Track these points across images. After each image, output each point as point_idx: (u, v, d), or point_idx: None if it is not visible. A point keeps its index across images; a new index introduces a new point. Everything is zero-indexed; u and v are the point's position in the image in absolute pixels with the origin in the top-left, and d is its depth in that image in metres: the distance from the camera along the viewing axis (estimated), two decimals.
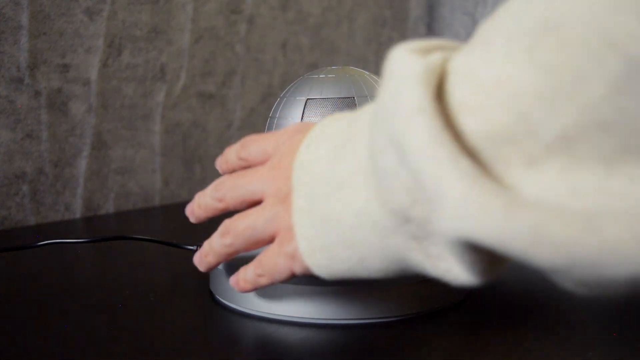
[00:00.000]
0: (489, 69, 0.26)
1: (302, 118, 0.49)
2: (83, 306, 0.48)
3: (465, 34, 1.31)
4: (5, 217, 0.75)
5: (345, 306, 0.44)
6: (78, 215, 0.81)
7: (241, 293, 0.44)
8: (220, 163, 0.44)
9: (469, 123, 0.27)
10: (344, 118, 0.37)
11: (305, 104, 0.50)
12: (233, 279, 0.42)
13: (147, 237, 0.59)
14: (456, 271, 0.29)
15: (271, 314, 0.45)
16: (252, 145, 0.42)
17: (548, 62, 0.24)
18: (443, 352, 0.41)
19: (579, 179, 0.25)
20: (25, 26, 0.74)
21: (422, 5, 1.36)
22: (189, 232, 0.74)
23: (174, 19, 0.89)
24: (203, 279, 0.52)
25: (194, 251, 0.56)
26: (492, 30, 0.27)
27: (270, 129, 0.52)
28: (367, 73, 0.53)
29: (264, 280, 0.40)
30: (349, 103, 0.49)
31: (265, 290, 0.45)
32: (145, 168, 0.89)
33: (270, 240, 0.39)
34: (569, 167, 0.25)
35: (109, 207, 0.85)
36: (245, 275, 0.41)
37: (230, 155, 0.43)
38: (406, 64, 0.29)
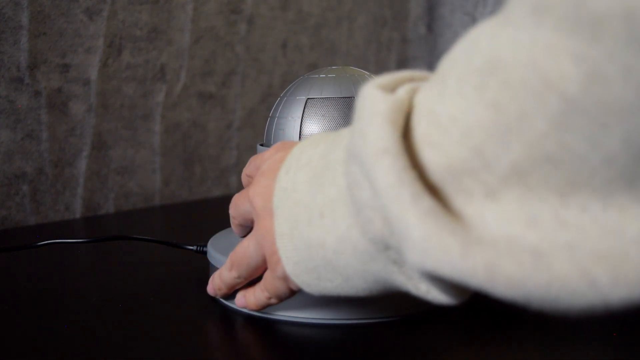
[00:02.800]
0: (444, 106, 0.28)
1: (302, 118, 0.49)
2: (83, 306, 0.48)
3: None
4: (5, 217, 0.75)
5: (345, 306, 0.44)
6: (78, 215, 0.81)
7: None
8: (242, 179, 0.48)
9: (431, 156, 0.28)
10: (318, 144, 0.38)
11: (305, 103, 0.50)
12: (241, 301, 0.45)
13: (147, 237, 0.59)
14: (434, 293, 0.31)
15: (271, 314, 0.45)
16: (251, 163, 0.45)
17: (495, 100, 0.26)
18: (443, 352, 0.41)
19: (535, 208, 0.26)
20: (25, 26, 0.74)
21: (422, 5, 1.36)
22: (189, 232, 0.74)
23: (174, 19, 0.89)
24: (203, 279, 0.52)
25: (194, 251, 0.56)
26: (447, 67, 0.29)
27: (270, 128, 0.52)
28: (367, 73, 0.53)
29: (274, 302, 0.43)
30: (349, 103, 0.49)
31: None
32: (145, 168, 0.89)
33: (265, 264, 0.41)
34: (526, 198, 0.26)
35: (109, 207, 0.85)
36: (256, 299, 0.43)
37: (243, 173, 0.47)
38: (374, 102, 0.30)
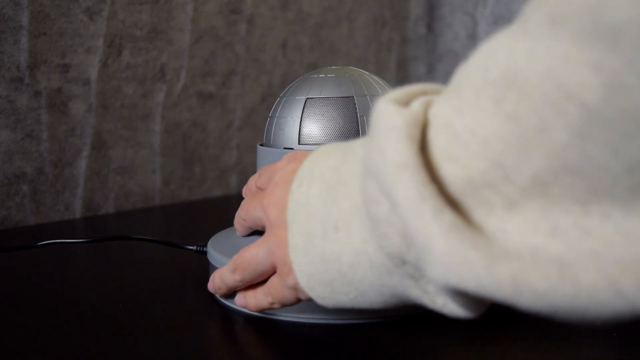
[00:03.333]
0: (461, 119, 0.28)
1: (301, 118, 0.49)
2: (83, 306, 0.48)
3: (465, 34, 1.31)
4: (5, 217, 0.75)
5: None
6: (78, 215, 0.81)
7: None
8: (245, 191, 0.48)
9: (450, 170, 0.28)
10: (329, 156, 0.38)
11: (305, 103, 0.50)
12: (241, 301, 0.45)
13: (147, 237, 0.59)
14: (451, 307, 0.31)
15: (271, 314, 0.45)
16: (263, 174, 0.45)
17: (514, 112, 0.26)
18: (443, 352, 0.41)
19: (557, 218, 0.26)
20: (25, 26, 0.74)
21: (422, 5, 1.35)
22: (189, 232, 0.74)
23: (174, 19, 0.89)
24: (203, 279, 0.52)
25: (194, 251, 0.56)
26: (463, 79, 0.29)
27: (270, 128, 0.52)
28: (367, 73, 0.53)
29: (276, 307, 0.43)
30: (349, 103, 0.49)
31: None
32: (145, 168, 0.89)
33: (273, 271, 0.41)
34: (547, 208, 0.26)
35: (109, 207, 0.85)
36: (257, 301, 0.44)
37: (250, 184, 0.47)
38: (389, 117, 0.30)
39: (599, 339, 0.42)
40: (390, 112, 0.30)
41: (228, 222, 0.59)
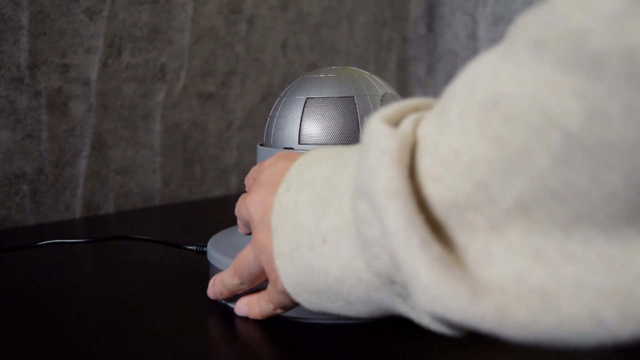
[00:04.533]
0: (446, 140, 0.28)
1: (301, 117, 0.49)
2: (83, 306, 0.48)
3: (465, 34, 1.31)
4: (5, 217, 0.75)
5: None
6: (78, 215, 0.81)
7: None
8: (246, 180, 0.48)
9: (435, 191, 0.28)
10: (320, 162, 0.38)
11: (305, 103, 0.50)
12: (242, 310, 0.45)
13: (147, 237, 0.59)
14: (438, 327, 0.31)
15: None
16: (254, 172, 0.46)
17: (497, 135, 0.26)
18: (443, 352, 0.41)
19: (540, 242, 0.26)
20: (25, 26, 0.74)
21: (422, 5, 1.35)
22: (189, 232, 0.74)
23: (174, 19, 0.89)
24: (203, 279, 0.52)
25: (194, 251, 0.56)
26: (449, 99, 0.29)
27: (270, 128, 0.52)
28: (367, 73, 0.53)
29: (279, 312, 0.43)
30: (349, 102, 0.49)
31: None
32: (145, 168, 0.89)
33: (264, 274, 0.42)
34: (530, 231, 0.26)
35: (109, 207, 0.85)
36: (261, 309, 0.44)
37: (251, 174, 0.47)
38: (381, 139, 0.30)
39: None
40: (382, 134, 0.30)
41: (228, 222, 0.59)
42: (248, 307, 0.45)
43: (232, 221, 0.57)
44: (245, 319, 0.45)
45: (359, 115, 0.49)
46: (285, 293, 0.39)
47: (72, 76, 0.79)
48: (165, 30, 0.88)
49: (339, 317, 0.44)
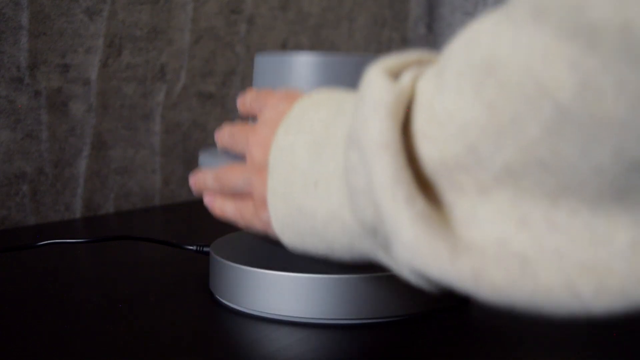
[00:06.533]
0: (442, 101, 0.28)
1: None
2: (83, 306, 0.48)
3: None
4: (5, 217, 0.75)
5: (346, 306, 0.44)
6: (78, 215, 0.81)
7: (239, 291, 0.45)
8: (239, 102, 0.48)
9: (427, 149, 0.29)
10: (319, 107, 0.38)
11: None
12: (209, 200, 0.45)
13: (147, 237, 0.59)
14: (417, 281, 0.32)
15: (271, 314, 0.45)
16: (261, 99, 0.45)
17: (491, 101, 0.26)
18: (443, 352, 0.41)
19: (527, 209, 0.26)
20: (25, 26, 0.74)
21: (422, 5, 1.36)
22: (189, 232, 0.74)
23: (174, 19, 0.89)
24: (203, 279, 0.52)
25: (194, 251, 0.56)
26: (447, 59, 0.29)
27: None
28: None
29: (241, 225, 0.43)
30: None
31: (266, 290, 0.45)
32: (145, 168, 0.89)
33: (249, 197, 0.42)
34: (517, 198, 0.27)
35: (109, 207, 0.85)
36: (223, 210, 0.44)
37: (247, 99, 0.47)
38: (379, 91, 0.30)
39: (599, 339, 0.42)
40: (381, 86, 0.30)
41: (228, 222, 0.59)
42: (214, 200, 0.44)
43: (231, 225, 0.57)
44: (245, 319, 0.45)
45: None
46: (265, 224, 0.40)
47: (72, 76, 0.79)
48: (165, 30, 0.88)
49: (338, 316, 0.44)
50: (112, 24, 0.82)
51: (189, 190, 0.94)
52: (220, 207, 0.44)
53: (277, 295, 0.45)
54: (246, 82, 1.00)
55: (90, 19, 0.80)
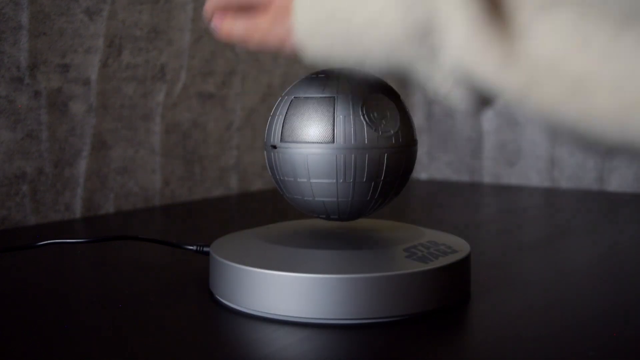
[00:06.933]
0: None
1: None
2: (83, 306, 0.48)
3: None
4: (5, 217, 0.75)
5: (346, 306, 0.44)
6: (78, 215, 0.81)
7: (239, 291, 0.45)
8: None
9: None
10: None
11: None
12: (217, 21, 0.43)
13: (147, 237, 0.59)
14: (455, 95, 0.31)
15: (271, 314, 0.45)
16: None
17: None
18: (443, 352, 0.41)
19: (590, 32, 0.26)
20: (25, 26, 0.74)
21: None
22: (189, 232, 0.74)
23: (174, 19, 0.89)
24: (203, 279, 0.52)
25: (194, 251, 0.56)
26: None
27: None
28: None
29: (250, 43, 0.41)
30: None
31: (266, 290, 0.45)
32: (145, 168, 0.89)
33: (264, 7, 0.40)
34: (582, 19, 0.26)
35: (109, 207, 0.85)
36: (231, 28, 0.42)
37: None
38: None
39: (599, 339, 0.42)
40: None
41: (228, 222, 0.59)
42: (222, 20, 0.43)
43: (232, 221, 0.57)
44: (245, 319, 0.45)
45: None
46: (286, 31, 0.38)
47: (72, 76, 0.79)
48: (165, 30, 0.88)
49: (338, 316, 0.44)
50: (112, 24, 0.82)
51: (189, 190, 0.94)
52: (229, 26, 0.42)
53: (277, 295, 0.45)
54: (246, 82, 1.00)
55: (90, 19, 0.80)
